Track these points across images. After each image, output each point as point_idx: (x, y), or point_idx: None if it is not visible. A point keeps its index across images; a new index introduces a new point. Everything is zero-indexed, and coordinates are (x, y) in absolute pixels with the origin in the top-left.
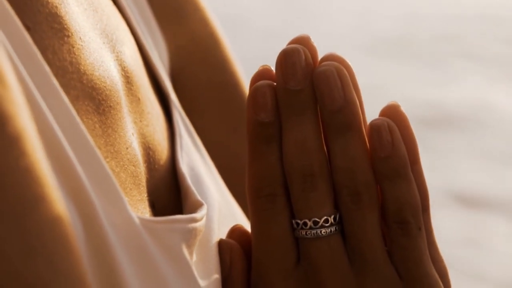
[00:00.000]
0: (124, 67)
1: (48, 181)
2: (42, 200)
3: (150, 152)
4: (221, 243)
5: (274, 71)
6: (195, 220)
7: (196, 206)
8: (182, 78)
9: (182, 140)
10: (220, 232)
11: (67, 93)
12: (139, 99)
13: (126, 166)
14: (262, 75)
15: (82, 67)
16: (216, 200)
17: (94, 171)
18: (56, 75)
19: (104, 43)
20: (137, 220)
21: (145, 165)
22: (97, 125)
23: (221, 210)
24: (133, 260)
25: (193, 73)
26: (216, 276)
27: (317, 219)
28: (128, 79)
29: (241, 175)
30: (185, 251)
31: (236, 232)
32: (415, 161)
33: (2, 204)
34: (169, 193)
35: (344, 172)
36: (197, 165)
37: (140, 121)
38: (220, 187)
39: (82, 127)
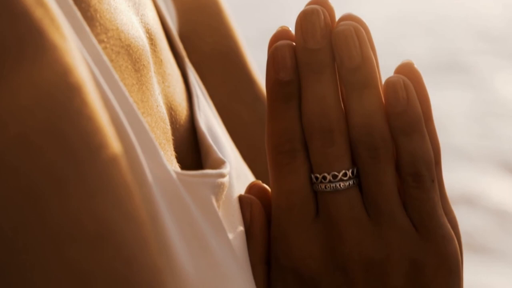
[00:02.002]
0: (148, 29)
1: (108, 130)
2: (104, 147)
3: (172, 112)
4: (241, 199)
5: (292, 32)
6: (222, 176)
7: (218, 163)
8: (187, 42)
9: (199, 101)
10: (237, 189)
11: (110, 49)
12: (161, 60)
13: (158, 123)
14: (280, 35)
15: (119, 26)
16: (232, 158)
17: (135, 125)
18: (100, 33)
19: (129, 6)
20: (173, 173)
21: (169, 124)
22: (134, 82)
23: (236, 168)
24: (171, 210)
25: (198, 37)
26: (241, 228)
27: (335, 173)
28: (152, 41)
29: (243, 138)
30: (215, 204)
31: (254, 188)
32: (428, 117)
33: (68, 150)
34: (191, 152)
35: (361, 127)
36: (213, 124)
37: (163, 82)
38: (232, 147)
39: (121, 84)
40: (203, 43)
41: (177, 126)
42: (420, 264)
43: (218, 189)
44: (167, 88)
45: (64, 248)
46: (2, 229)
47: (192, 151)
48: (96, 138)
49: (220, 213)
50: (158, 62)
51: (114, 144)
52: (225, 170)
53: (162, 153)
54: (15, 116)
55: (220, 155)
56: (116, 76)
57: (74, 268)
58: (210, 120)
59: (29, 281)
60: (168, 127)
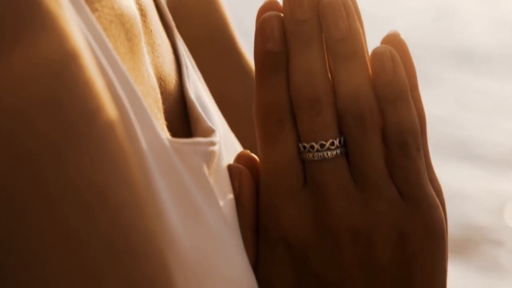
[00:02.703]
0: (138, 0)
1: (103, 96)
2: (100, 113)
3: (162, 83)
4: (230, 168)
5: (280, 3)
6: (213, 144)
7: (207, 132)
8: (176, 14)
9: (188, 71)
10: (226, 158)
11: (104, 18)
12: (151, 30)
13: (150, 92)
14: (269, 7)
15: None
16: (221, 128)
17: (128, 93)
18: (94, 1)
19: None
20: (166, 141)
21: (159, 94)
22: (127, 51)
23: (224, 138)
24: (164, 177)
25: (187, 9)
26: (231, 196)
27: (323, 142)
28: (142, 11)
29: (230, 112)
30: (206, 172)
31: (243, 157)
32: (414, 87)
33: (63, 116)
34: (181, 121)
35: (348, 97)
36: (202, 94)
37: (152, 52)
38: (221, 117)
39: (114, 52)
40: (191, 15)
41: (167, 95)
42: (406, 232)
43: (209, 157)
44: (156, 58)
45: (61, 213)
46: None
47: (182, 120)
48: (92, 104)
49: (211, 181)
50: (148, 32)
51: (110, 110)
52: (215, 138)
53: (155, 121)
54: (9, 85)
55: (210, 124)
56: (110, 44)
57: (70, 233)
58: (199, 90)
59: (25, 246)
60: (159, 96)
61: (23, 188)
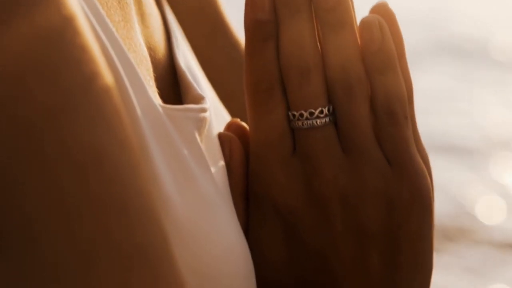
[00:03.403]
0: None
1: (99, 60)
2: (97, 77)
3: (152, 52)
4: (220, 136)
5: None
6: (204, 110)
7: (197, 99)
8: None
9: (177, 41)
10: (216, 127)
11: None
12: (141, 1)
13: (142, 60)
14: None
15: None
16: (210, 97)
17: (122, 60)
18: None
19: None
20: (159, 107)
21: (150, 63)
22: (120, 19)
23: (213, 107)
24: (158, 142)
25: None
26: (222, 163)
27: (312, 110)
28: None
29: (218, 84)
30: (198, 138)
31: (233, 126)
32: (401, 56)
33: (60, 80)
34: (171, 90)
35: (338, 67)
36: (192, 64)
37: (142, 22)
38: (209, 87)
39: (108, 19)
40: None
41: (157, 64)
42: (394, 199)
43: (200, 123)
44: (146, 28)
45: (57, 176)
46: (7, 150)
47: (172, 89)
48: (89, 69)
49: (202, 147)
50: (138, 2)
51: (106, 75)
52: (206, 105)
53: (148, 87)
54: (6, 52)
55: (200, 91)
56: (103, 11)
57: (66, 195)
58: (188, 60)
59: (23, 209)
60: (150, 65)
61: (19, 153)
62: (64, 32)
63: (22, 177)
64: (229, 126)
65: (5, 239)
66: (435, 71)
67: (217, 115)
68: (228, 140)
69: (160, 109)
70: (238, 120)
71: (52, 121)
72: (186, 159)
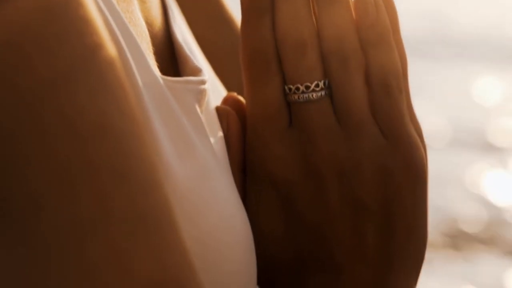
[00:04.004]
0: None
1: (103, 30)
2: (100, 48)
3: (149, 27)
4: (217, 110)
5: None
6: (203, 82)
7: (195, 72)
8: None
9: (173, 14)
10: (213, 101)
11: None
12: None
13: (142, 34)
14: None
15: None
16: (206, 69)
17: (124, 32)
18: None
19: None
20: (161, 80)
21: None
22: None
23: (210, 81)
24: (159, 114)
25: None
26: (220, 134)
27: (308, 84)
28: None
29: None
30: (198, 110)
31: (230, 100)
32: (395, 30)
33: (64, 50)
34: (170, 63)
35: (333, 40)
36: (188, 37)
37: None
38: (206, 61)
39: None
40: None
41: (154, 39)
42: (389, 171)
43: (200, 95)
44: (143, 3)
45: (61, 144)
46: (13, 119)
47: (170, 62)
48: (92, 39)
49: (202, 119)
50: None
51: (108, 46)
52: (205, 77)
53: (149, 59)
54: (9, 22)
55: (197, 64)
56: None
57: (76, 156)
58: (184, 33)
59: (25, 177)
60: (149, 39)
61: (21, 123)
62: (67, 4)
63: (24, 146)
64: (226, 100)
65: (8, 207)
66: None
67: (213, 89)
68: (226, 114)
69: (161, 81)
70: (235, 94)
71: (54, 91)
72: (187, 130)
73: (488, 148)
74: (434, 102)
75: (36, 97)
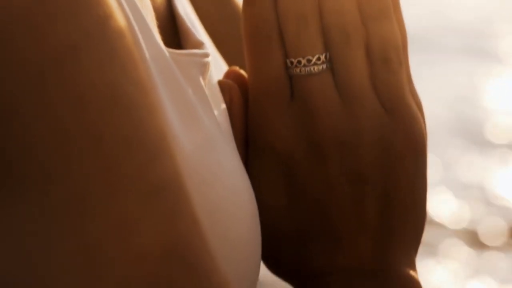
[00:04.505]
0: None
1: (112, 1)
2: (111, 18)
3: (152, 1)
4: (220, 84)
5: None
6: (207, 55)
7: (197, 45)
8: None
9: None
10: (214, 74)
11: None
12: None
13: (146, 7)
14: None
15: None
16: (207, 42)
17: (130, 4)
18: None
19: None
20: (166, 53)
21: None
22: None
23: (211, 53)
24: (166, 86)
25: None
26: (224, 106)
27: (310, 57)
28: None
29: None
30: (202, 82)
31: (232, 74)
32: (396, 5)
33: (77, 20)
34: (172, 37)
35: (334, 14)
36: (188, 11)
37: None
38: (205, 33)
39: None
40: None
41: (157, 12)
42: (389, 143)
43: (204, 68)
44: None
45: (79, 109)
46: (24, 91)
47: (172, 36)
48: (102, 9)
49: (206, 91)
50: None
51: (118, 17)
52: (208, 50)
53: (155, 32)
54: None
55: (199, 38)
56: None
57: (87, 128)
58: (186, 8)
59: (37, 149)
60: (153, 12)
61: (46, 84)
62: None
63: (34, 118)
64: (228, 74)
65: (23, 182)
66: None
67: (214, 63)
68: (228, 88)
69: (167, 53)
70: (237, 68)
71: (64, 62)
72: (192, 102)
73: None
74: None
75: (46, 68)
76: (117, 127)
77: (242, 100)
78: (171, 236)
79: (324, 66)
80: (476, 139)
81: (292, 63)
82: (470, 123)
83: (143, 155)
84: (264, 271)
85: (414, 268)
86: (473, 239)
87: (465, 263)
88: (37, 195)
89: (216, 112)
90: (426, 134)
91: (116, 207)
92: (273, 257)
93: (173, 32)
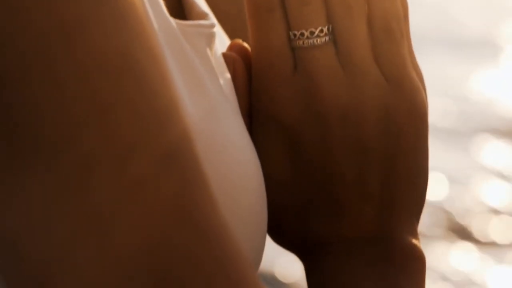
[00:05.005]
0: None
1: None
2: None
3: None
4: (224, 56)
5: None
6: (213, 26)
7: (201, 17)
8: None
9: None
10: (218, 47)
11: None
12: None
13: None
14: None
15: None
16: (211, 13)
17: None
18: None
19: None
20: (174, 24)
21: None
22: None
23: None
24: (174, 57)
25: None
26: (229, 77)
27: (313, 30)
28: None
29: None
30: (209, 53)
31: (235, 46)
32: None
33: None
34: (175, 8)
35: None
36: None
37: None
38: (207, 6)
39: None
40: None
41: None
42: (391, 112)
43: (210, 39)
44: None
45: (90, 78)
46: (36, 62)
47: (177, 7)
48: None
49: (213, 61)
50: None
51: None
52: (214, 21)
53: (161, 3)
54: None
55: (203, 9)
56: None
57: (98, 96)
58: None
59: (52, 109)
60: None
61: (51, 60)
62: None
63: (57, 78)
64: (231, 47)
65: (30, 152)
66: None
67: (217, 35)
68: (232, 60)
69: (174, 24)
70: (240, 40)
71: (76, 31)
72: (199, 72)
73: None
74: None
75: (54, 37)
76: (129, 95)
77: (245, 73)
78: (183, 201)
79: (327, 38)
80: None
81: (295, 35)
82: None
83: (155, 122)
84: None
85: (416, 236)
86: None
87: None
88: (45, 164)
89: (222, 83)
90: (427, 104)
91: (130, 169)
92: (277, 226)
93: (177, 3)
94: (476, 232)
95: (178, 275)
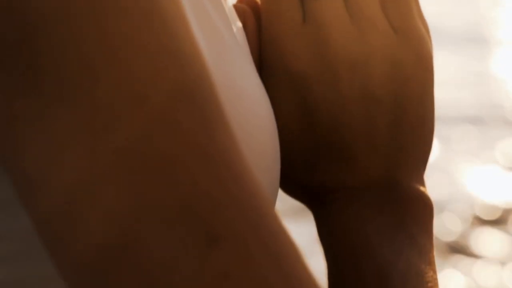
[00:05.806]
0: None
1: None
2: None
3: None
4: (234, 7)
5: None
6: None
7: None
8: None
9: None
10: None
11: None
12: None
13: None
14: None
15: None
16: None
17: None
18: None
19: None
20: None
21: None
22: None
23: None
24: (189, 2)
25: None
26: (241, 26)
27: None
28: None
29: None
30: (223, 1)
31: None
32: None
33: None
34: None
35: None
36: None
37: None
38: None
39: None
40: None
41: None
42: (398, 62)
43: None
44: None
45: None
46: (64, 46)
47: None
48: None
49: (226, 9)
50: None
51: None
52: None
53: None
54: None
55: None
56: None
57: (128, 37)
58: None
59: (82, 55)
60: None
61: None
62: None
63: (81, 26)
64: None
65: (67, 86)
66: None
67: None
68: (242, 11)
69: None
70: None
71: None
72: (214, 19)
73: None
74: None
75: (97, 7)
76: (156, 37)
77: (255, 24)
78: (202, 138)
79: None
80: None
81: None
82: None
83: (177, 61)
84: None
85: (423, 184)
86: None
87: None
88: (69, 104)
89: (234, 29)
90: (432, 55)
91: (150, 107)
92: (284, 175)
93: None
94: None
95: (197, 211)
